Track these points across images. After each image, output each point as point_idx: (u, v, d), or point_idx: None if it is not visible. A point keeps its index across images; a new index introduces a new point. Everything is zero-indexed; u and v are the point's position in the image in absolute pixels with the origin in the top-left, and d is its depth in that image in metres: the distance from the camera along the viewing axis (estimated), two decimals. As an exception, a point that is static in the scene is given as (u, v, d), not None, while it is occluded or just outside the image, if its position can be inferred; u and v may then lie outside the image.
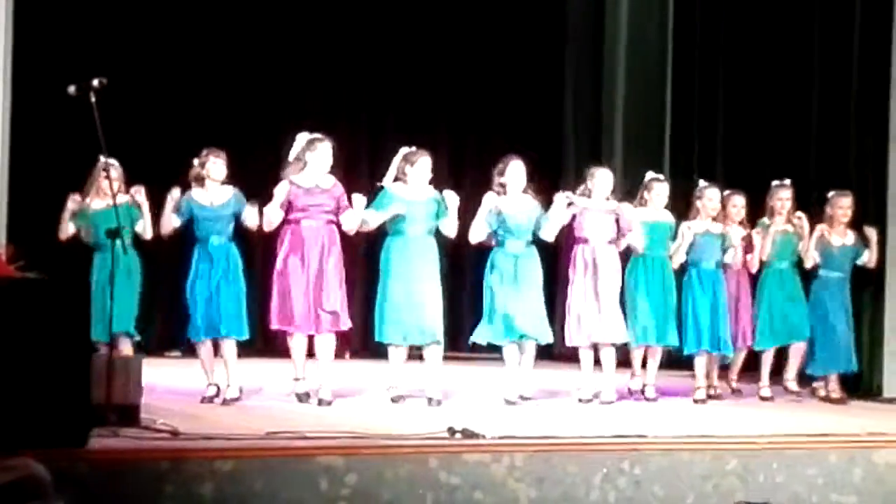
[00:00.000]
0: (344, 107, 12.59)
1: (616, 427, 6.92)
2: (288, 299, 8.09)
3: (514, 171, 8.51)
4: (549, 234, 8.59)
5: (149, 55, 11.74)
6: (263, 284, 8.55)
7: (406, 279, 8.24)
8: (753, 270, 9.25)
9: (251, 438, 6.15)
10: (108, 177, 7.39)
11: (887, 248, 9.30)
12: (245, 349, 8.35)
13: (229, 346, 8.12)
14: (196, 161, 8.20)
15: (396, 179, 8.39)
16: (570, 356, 9.05)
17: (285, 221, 8.17)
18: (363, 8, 12.66)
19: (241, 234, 8.34)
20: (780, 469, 6.47)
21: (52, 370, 5.63)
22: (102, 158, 7.59)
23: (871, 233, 9.14)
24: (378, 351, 9.00)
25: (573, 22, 13.21)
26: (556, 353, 9.76)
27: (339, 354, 8.47)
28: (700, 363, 8.98)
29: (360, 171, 10.98)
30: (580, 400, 8.62)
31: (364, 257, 10.77)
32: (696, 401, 8.84)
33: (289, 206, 8.14)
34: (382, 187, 8.37)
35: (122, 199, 8.04)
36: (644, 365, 9.01)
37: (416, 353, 8.49)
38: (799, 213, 9.17)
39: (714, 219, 9.06)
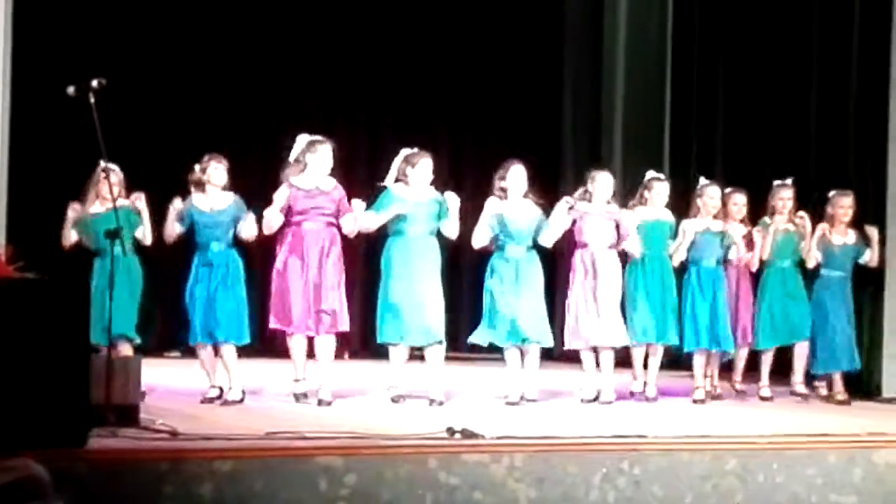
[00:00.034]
0: (343, 108, 12.57)
1: (616, 427, 6.92)
2: (286, 299, 8.09)
3: (515, 176, 8.49)
4: (548, 241, 8.58)
5: (148, 56, 11.73)
6: (264, 286, 8.54)
7: (407, 279, 8.23)
8: (753, 269, 9.24)
9: (251, 439, 6.15)
10: (107, 178, 7.39)
11: (887, 248, 9.29)
12: (245, 349, 8.34)
13: (229, 351, 8.12)
14: (197, 166, 8.20)
15: (397, 181, 8.38)
16: (572, 357, 9.05)
17: (286, 224, 8.15)
18: (362, 9, 12.66)
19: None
20: (779, 469, 6.46)
21: (51, 370, 5.63)
22: (102, 163, 7.59)
23: (873, 232, 9.14)
24: (378, 351, 9.00)
25: (572, 22, 13.20)
26: (556, 354, 9.75)
27: (338, 355, 8.47)
28: (699, 362, 8.98)
29: (359, 172, 10.97)
30: (583, 400, 8.64)
31: (364, 257, 10.78)
32: (695, 401, 8.84)
33: (289, 210, 8.14)
34: (384, 187, 8.37)
35: (122, 203, 8.02)
36: (645, 366, 9.01)
37: (416, 354, 8.49)
38: (801, 213, 9.17)
39: (715, 217, 9.06)
